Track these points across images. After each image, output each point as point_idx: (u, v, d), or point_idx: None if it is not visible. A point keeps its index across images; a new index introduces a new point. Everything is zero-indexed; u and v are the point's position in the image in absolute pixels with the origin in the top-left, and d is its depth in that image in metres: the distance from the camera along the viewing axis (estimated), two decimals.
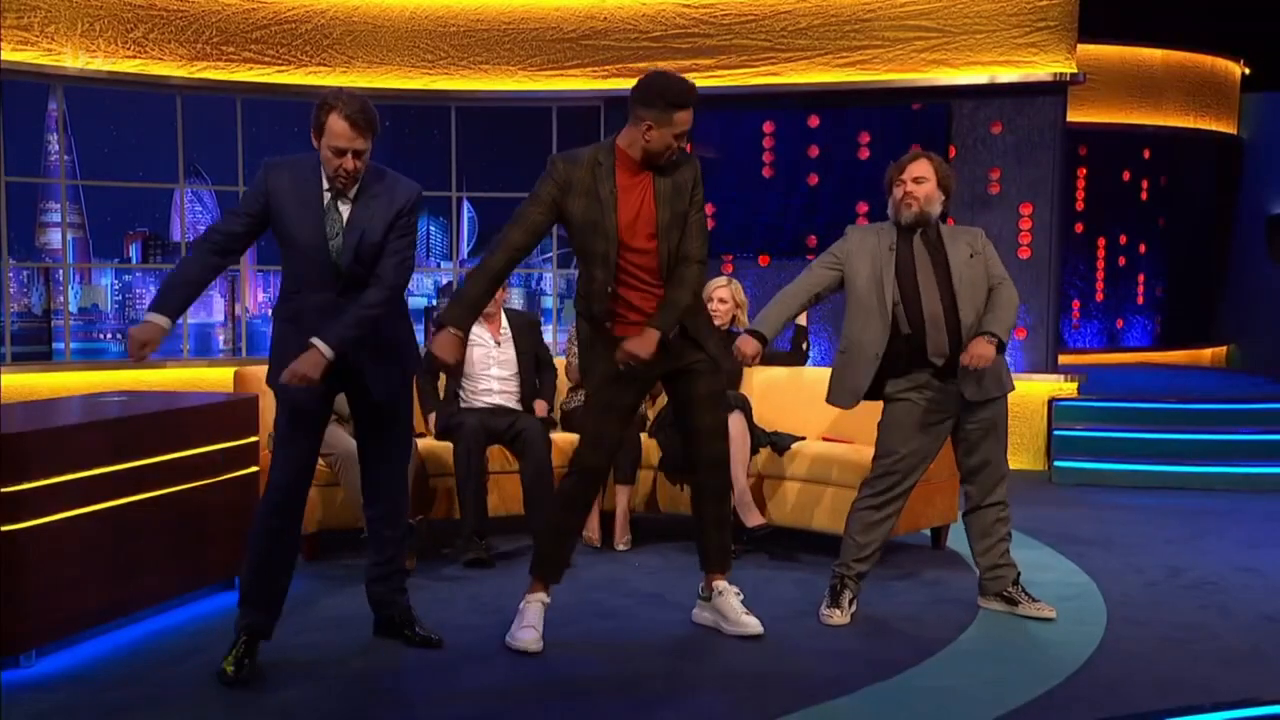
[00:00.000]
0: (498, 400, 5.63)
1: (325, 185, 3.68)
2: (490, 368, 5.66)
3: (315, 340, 3.57)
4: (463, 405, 5.62)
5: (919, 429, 4.35)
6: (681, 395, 4.16)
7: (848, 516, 4.50)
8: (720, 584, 4.27)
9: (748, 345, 4.35)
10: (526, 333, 5.79)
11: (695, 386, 4.10)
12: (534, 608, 4.06)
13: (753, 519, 5.31)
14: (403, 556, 4.16)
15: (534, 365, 5.79)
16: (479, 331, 5.64)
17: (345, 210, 3.69)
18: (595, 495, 4.26)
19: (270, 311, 3.90)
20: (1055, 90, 8.30)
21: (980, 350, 4.17)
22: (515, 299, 18.89)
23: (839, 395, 4.45)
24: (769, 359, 6.09)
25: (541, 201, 3.90)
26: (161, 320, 3.58)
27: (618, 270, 3.91)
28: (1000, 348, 4.23)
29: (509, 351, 5.71)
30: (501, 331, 5.73)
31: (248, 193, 3.76)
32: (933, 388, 4.33)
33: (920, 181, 4.31)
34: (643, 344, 3.85)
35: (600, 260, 3.90)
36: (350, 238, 3.68)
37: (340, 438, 5.07)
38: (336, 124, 3.57)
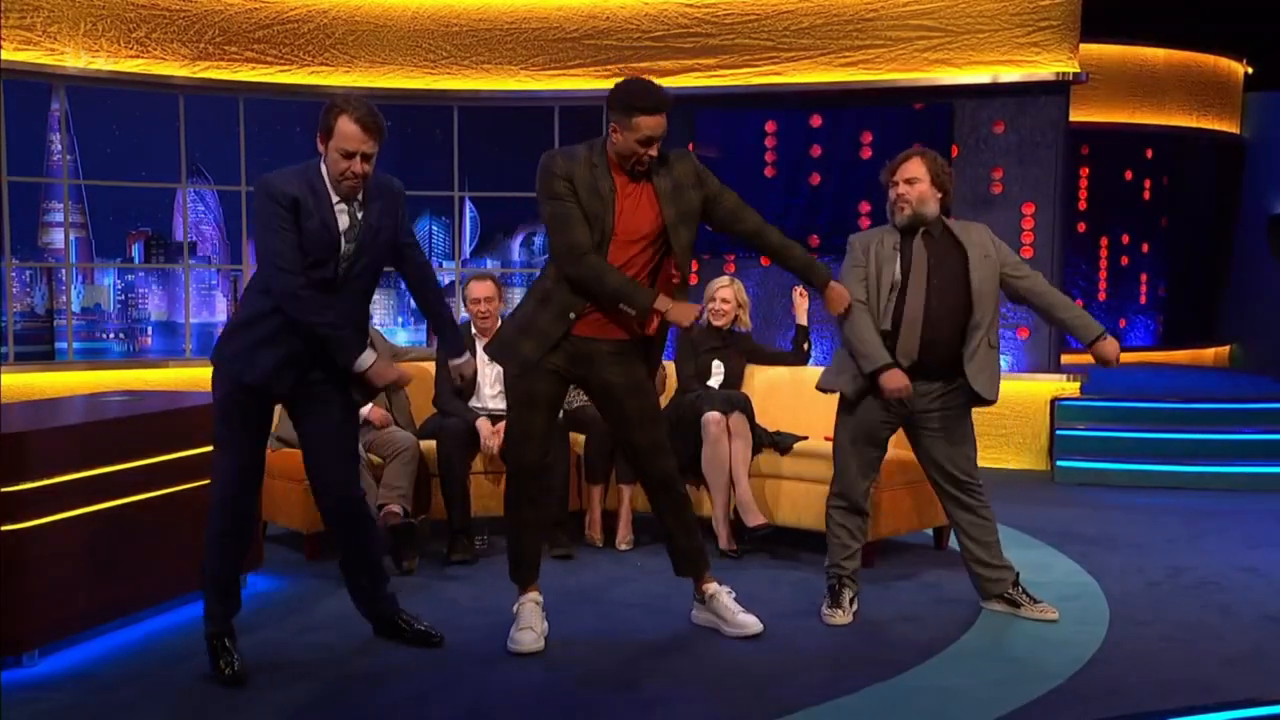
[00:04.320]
0: (491, 408, 5.61)
1: (332, 191, 3.65)
2: (485, 385, 5.64)
3: (454, 362, 4.00)
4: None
5: (866, 430, 4.33)
6: (611, 413, 4.12)
7: (825, 518, 4.50)
8: (710, 586, 4.25)
9: (896, 380, 4.17)
10: None
11: (622, 406, 4.03)
12: (528, 608, 4.07)
13: (754, 519, 5.30)
14: (377, 551, 4.08)
15: None
16: (476, 345, 5.63)
17: (360, 214, 3.69)
18: (539, 491, 4.11)
19: (243, 312, 3.80)
20: (1058, 90, 8.30)
21: (1112, 351, 4.38)
22: (517, 299, 18.88)
23: (828, 379, 4.40)
24: (771, 359, 6.12)
25: (564, 198, 3.83)
26: (370, 356, 3.67)
27: None
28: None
29: (498, 367, 5.66)
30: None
31: (272, 216, 3.57)
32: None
33: (912, 182, 4.24)
34: (840, 297, 4.18)
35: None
36: (368, 240, 3.70)
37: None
38: (347, 126, 3.56)
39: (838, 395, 4.42)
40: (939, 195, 4.28)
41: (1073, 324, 4.41)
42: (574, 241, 3.82)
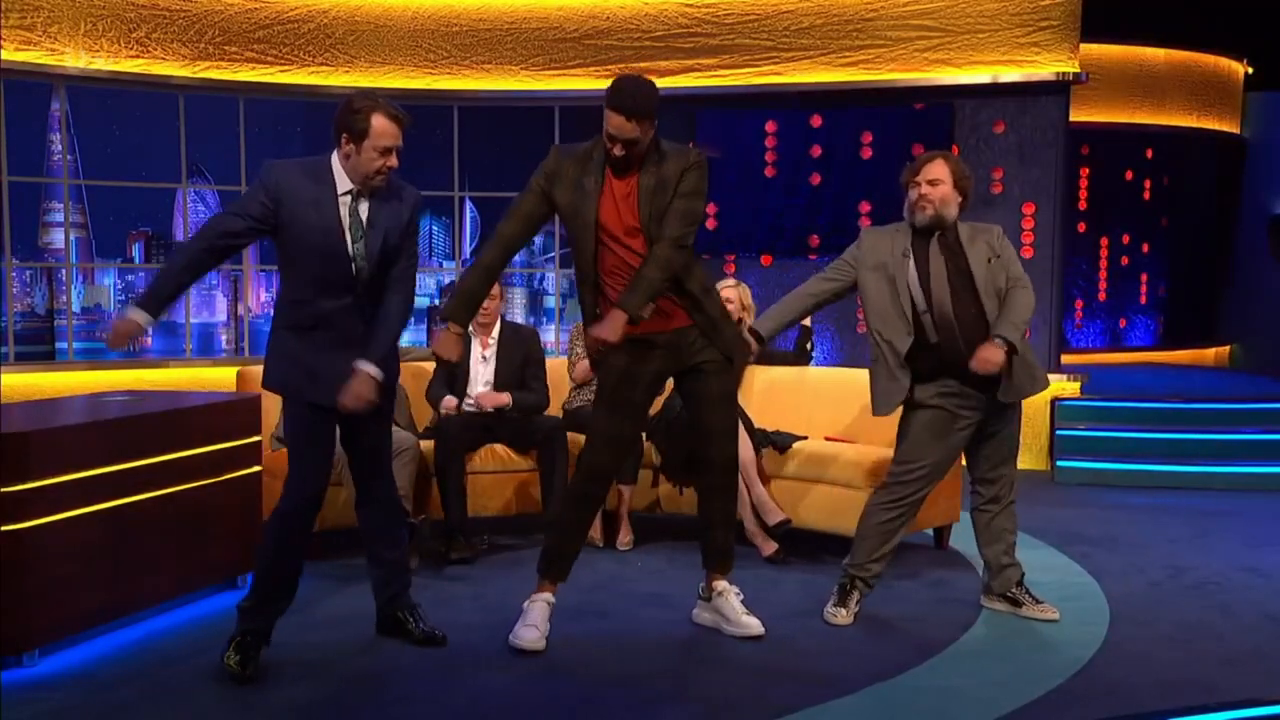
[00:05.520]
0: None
1: (343, 187, 3.67)
2: (478, 383, 5.64)
3: (361, 364, 3.63)
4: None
5: (940, 437, 4.31)
6: (690, 393, 4.15)
7: (861, 518, 4.46)
8: (721, 584, 4.26)
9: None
10: (515, 347, 5.67)
11: (705, 385, 4.07)
12: (539, 607, 4.06)
13: (773, 517, 5.29)
14: (405, 556, 4.17)
15: (520, 380, 5.63)
16: (472, 342, 5.63)
17: (364, 211, 3.70)
18: (604, 495, 4.22)
19: (273, 315, 3.87)
20: (1058, 90, 8.30)
21: (986, 354, 4.11)
22: (518, 299, 18.84)
23: (879, 405, 4.38)
24: (772, 359, 6.11)
25: (531, 191, 3.94)
26: (142, 316, 3.59)
27: (598, 262, 3.91)
28: (1011, 350, 4.15)
29: (493, 366, 5.67)
30: (489, 344, 5.69)
31: (251, 195, 3.66)
32: (960, 395, 4.28)
33: (935, 184, 4.26)
34: (609, 327, 3.72)
35: (581, 250, 3.92)
36: (374, 239, 3.70)
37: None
38: (382, 123, 3.61)
39: (870, 404, 4.42)
40: (959, 199, 4.31)
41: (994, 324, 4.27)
42: (499, 227, 3.97)
